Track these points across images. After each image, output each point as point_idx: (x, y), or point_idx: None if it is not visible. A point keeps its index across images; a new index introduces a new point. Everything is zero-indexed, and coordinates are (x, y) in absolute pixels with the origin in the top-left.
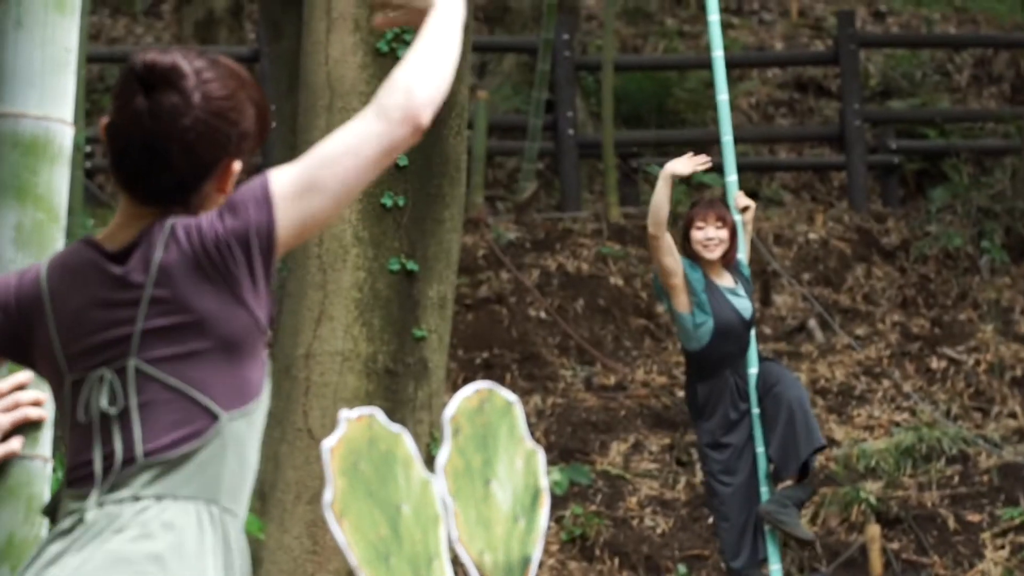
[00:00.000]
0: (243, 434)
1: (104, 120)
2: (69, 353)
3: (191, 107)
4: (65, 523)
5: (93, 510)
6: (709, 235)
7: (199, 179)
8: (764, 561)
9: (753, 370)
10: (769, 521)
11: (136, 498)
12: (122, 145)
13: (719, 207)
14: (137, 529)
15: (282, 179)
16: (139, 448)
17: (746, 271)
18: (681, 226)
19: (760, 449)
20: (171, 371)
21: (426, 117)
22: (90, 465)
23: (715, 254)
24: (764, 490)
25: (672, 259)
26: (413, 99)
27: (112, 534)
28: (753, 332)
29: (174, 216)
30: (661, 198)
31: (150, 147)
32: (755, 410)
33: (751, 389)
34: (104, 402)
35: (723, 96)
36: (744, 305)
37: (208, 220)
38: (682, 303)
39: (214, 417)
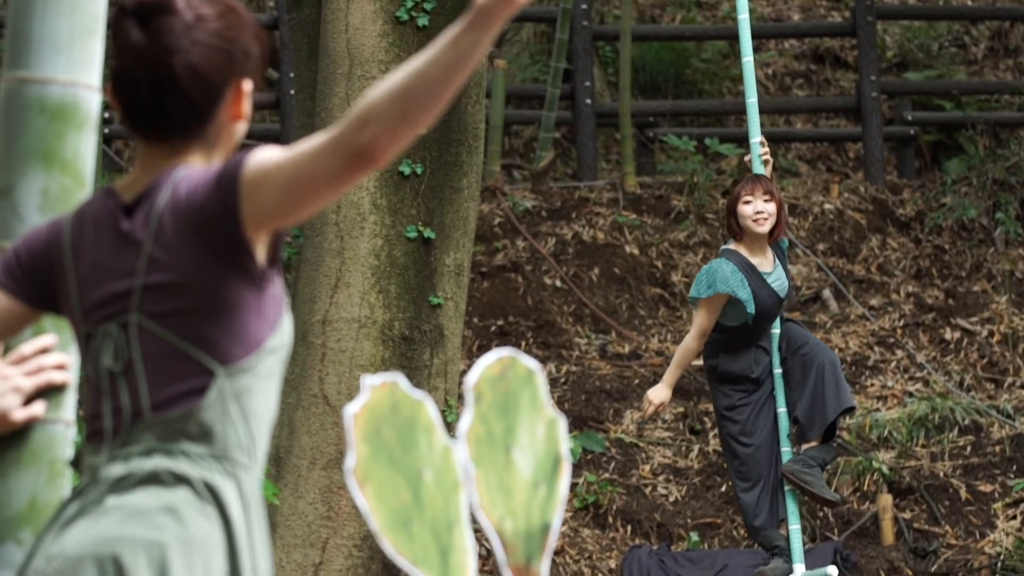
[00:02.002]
0: (245, 387)
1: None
2: (85, 306)
3: (188, 28)
4: (83, 480)
5: (105, 467)
6: (758, 208)
7: (212, 103)
8: (783, 521)
9: (776, 331)
10: (793, 481)
11: (146, 453)
12: (130, 88)
13: (765, 181)
14: (150, 483)
15: (253, 163)
16: (145, 402)
17: (783, 243)
18: (726, 205)
19: (782, 409)
20: (169, 327)
21: (380, 156)
22: (101, 420)
23: (764, 228)
24: (786, 450)
25: (710, 325)
26: (365, 135)
27: (125, 490)
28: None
29: (191, 156)
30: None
31: (156, 79)
32: (777, 370)
33: (773, 350)
34: (108, 358)
35: (748, 59)
36: (781, 284)
37: (203, 179)
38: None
39: (211, 373)
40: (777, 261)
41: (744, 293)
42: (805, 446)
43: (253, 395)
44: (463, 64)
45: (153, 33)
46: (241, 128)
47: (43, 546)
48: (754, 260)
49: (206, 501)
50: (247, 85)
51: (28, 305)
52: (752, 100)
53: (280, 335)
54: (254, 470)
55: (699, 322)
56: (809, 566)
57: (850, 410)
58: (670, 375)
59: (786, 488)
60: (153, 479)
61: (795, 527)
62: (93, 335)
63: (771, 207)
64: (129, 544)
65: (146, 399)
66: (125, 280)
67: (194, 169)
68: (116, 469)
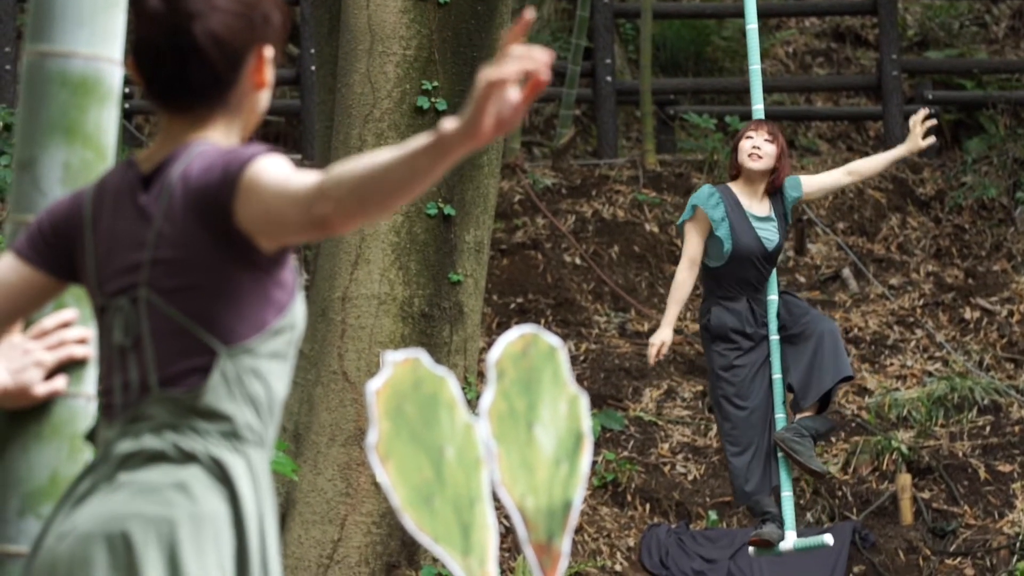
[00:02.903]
0: (250, 367)
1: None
2: (100, 278)
3: None
4: (97, 455)
5: (116, 442)
6: (756, 143)
7: (233, 69)
8: (775, 489)
9: (773, 296)
10: (783, 449)
11: (155, 429)
12: (151, 57)
13: (771, 124)
14: (160, 459)
15: (255, 168)
16: (153, 378)
17: (794, 192)
18: (731, 144)
19: (777, 375)
20: (174, 303)
21: (335, 230)
22: (113, 395)
23: (758, 165)
24: (780, 417)
25: (696, 250)
26: (323, 209)
27: (136, 466)
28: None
29: (213, 127)
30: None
31: (177, 46)
32: (774, 336)
33: (771, 315)
34: (119, 333)
35: (752, 26)
36: (770, 235)
37: (215, 161)
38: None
39: (214, 352)
40: (773, 213)
41: (718, 214)
42: (799, 415)
43: (259, 375)
44: (417, 182)
45: (172, 0)
46: (264, 96)
47: (55, 523)
48: (744, 200)
49: (215, 477)
50: (268, 52)
51: (50, 276)
52: (755, 67)
53: (288, 318)
54: (264, 448)
55: (686, 249)
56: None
57: (847, 379)
58: (669, 313)
59: (779, 455)
60: (163, 456)
61: (787, 494)
62: (107, 308)
63: (770, 148)
64: (139, 521)
65: (154, 375)
66: (137, 253)
67: (211, 145)
68: (126, 445)
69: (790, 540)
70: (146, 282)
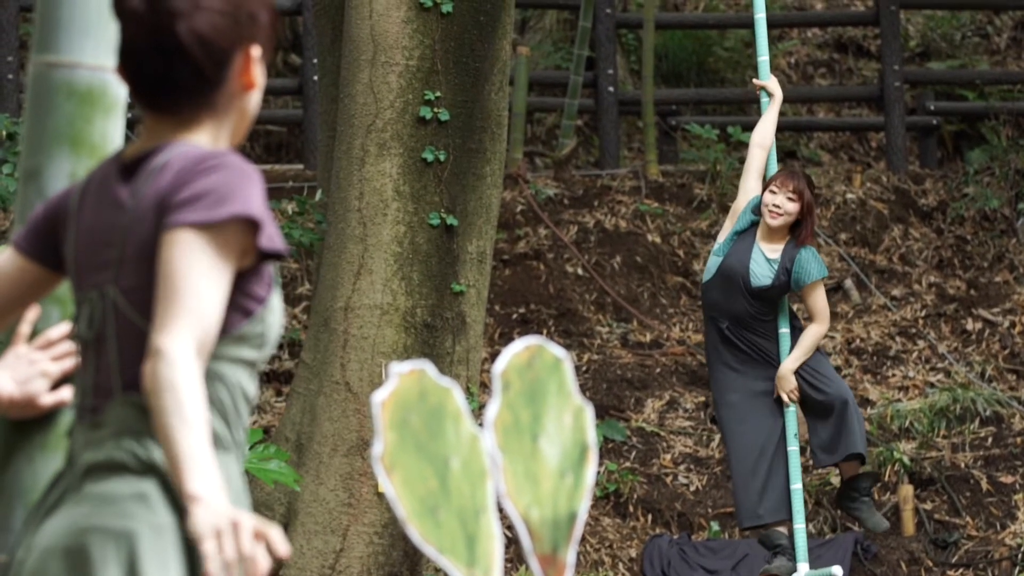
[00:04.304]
0: (211, 371)
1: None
2: (78, 272)
3: None
4: (65, 461)
5: (81, 450)
6: (777, 202)
7: (219, 69)
8: (787, 522)
9: (785, 329)
10: (849, 514)
11: (116, 436)
12: (134, 58)
13: (799, 179)
14: (121, 470)
15: (169, 236)
16: (116, 380)
17: (803, 278)
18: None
19: (791, 408)
20: (133, 303)
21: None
22: (81, 396)
23: (776, 222)
24: (793, 449)
25: (745, 186)
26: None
27: (99, 476)
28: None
29: (200, 130)
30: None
31: (160, 46)
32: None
33: (783, 348)
34: (83, 326)
35: (760, 15)
36: (760, 275)
37: (186, 175)
38: (725, 229)
39: None
40: (779, 264)
41: (741, 224)
42: (847, 476)
43: (223, 380)
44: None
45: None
46: (254, 98)
47: (26, 535)
48: (762, 233)
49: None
50: (256, 51)
51: (43, 267)
52: (760, 16)
53: (255, 325)
54: (231, 451)
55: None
56: (830, 557)
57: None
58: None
59: (793, 487)
60: (123, 466)
61: (799, 526)
62: (81, 302)
63: (791, 206)
64: (98, 534)
65: (117, 377)
66: (110, 250)
67: (192, 151)
68: (90, 454)
69: (802, 572)
70: (113, 280)
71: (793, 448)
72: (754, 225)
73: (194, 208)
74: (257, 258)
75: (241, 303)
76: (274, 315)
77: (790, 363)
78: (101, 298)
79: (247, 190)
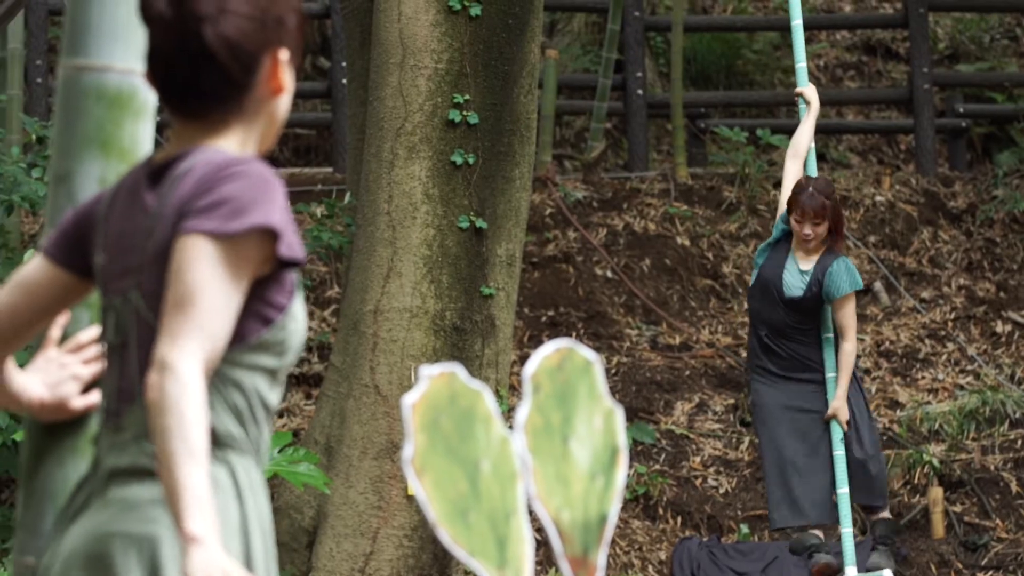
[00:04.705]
0: (228, 378)
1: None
2: (105, 276)
3: None
4: (91, 465)
5: (105, 453)
6: (806, 231)
7: (247, 73)
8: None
9: (829, 335)
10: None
11: (137, 439)
12: (162, 63)
13: (817, 202)
14: (143, 474)
15: (188, 236)
16: (137, 386)
17: (833, 292)
18: (788, 202)
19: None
20: (153, 308)
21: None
22: (106, 400)
23: (811, 246)
24: (839, 454)
25: (785, 196)
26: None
27: (123, 481)
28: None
29: (229, 135)
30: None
31: (188, 51)
32: (830, 374)
33: (827, 354)
34: (110, 333)
35: (797, 22)
36: (792, 287)
37: (206, 184)
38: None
39: None
40: (811, 275)
41: (761, 258)
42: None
43: (239, 387)
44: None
45: (179, 2)
46: (283, 102)
47: (54, 540)
48: (796, 250)
49: None
50: (284, 55)
51: (72, 274)
52: (797, 22)
53: (275, 334)
54: (250, 455)
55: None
56: (859, 559)
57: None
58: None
59: (839, 491)
60: (145, 471)
61: (847, 530)
62: (107, 308)
63: (820, 229)
64: (121, 540)
65: (138, 382)
66: (134, 255)
67: (216, 157)
68: (113, 458)
69: (850, 575)
70: (136, 285)
71: (839, 453)
72: (788, 235)
73: (210, 216)
74: (277, 266)
75: (260, 311)
76: (296, 323)
77: (839, 400)
78: (125, 303)
79: (267, 199)
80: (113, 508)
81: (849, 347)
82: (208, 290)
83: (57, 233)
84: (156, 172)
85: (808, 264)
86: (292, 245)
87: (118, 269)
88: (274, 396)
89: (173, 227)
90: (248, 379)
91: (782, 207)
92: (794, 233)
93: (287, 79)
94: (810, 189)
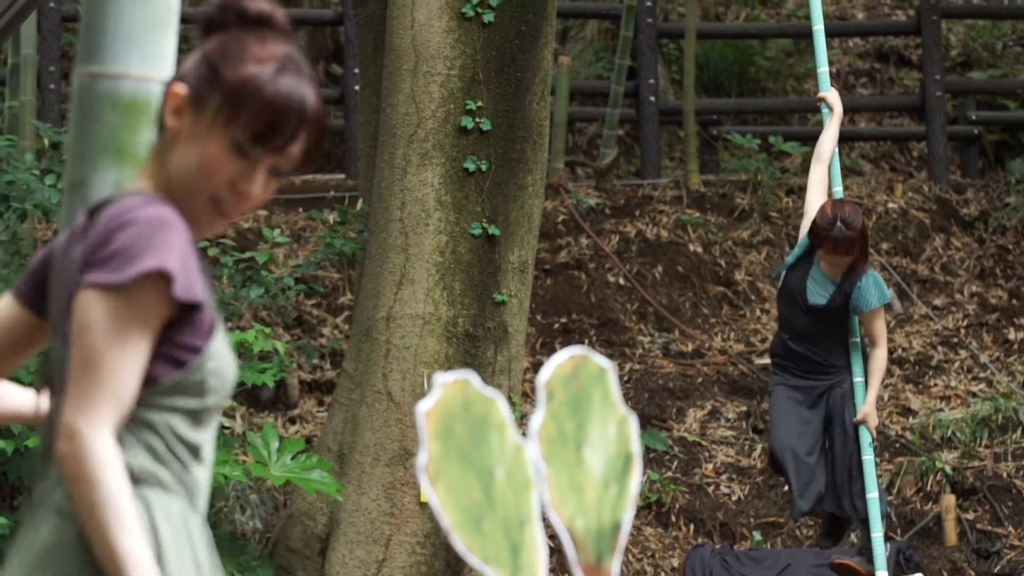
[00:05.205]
0: (138, 418)
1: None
2: (50, 315)
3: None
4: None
5: (38, 489)
6: (834, 261)
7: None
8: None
9: (856, 339)
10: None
11: (58, 478)
12: None
13: (845, 237)
14: (59, 514)
15: (83, 294)
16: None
17: (861, 305)
18: (814, 228)
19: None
20: (68, 347)
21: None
22: (44, 436)
23: (837, 271)
24: (868, 459)
25: (810, 200)
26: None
27: (44, 518)
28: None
29: (144, 173)
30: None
31: None
32: (858, 379)
33: (855, 357)
34: (47, 373)
35: (818, 27)
36: (816, 294)
37: (103, 232)
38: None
39: None
40: (836, 287)
41: (799, 250)
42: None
43: (152, 427)
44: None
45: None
46: (189, 154)
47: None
48: (822, 262)
49: None
50: (179, 88)
51: (35, 314)
52: (819, 27)
53: (188, 374)
54: (176, 495)
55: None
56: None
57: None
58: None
59: (869, 495)
60: (61, 511)
61: (877, 534)
62: (49, 349)
63: (845, 259)
64: None
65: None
66: (60, 301)
67: (120, 204)
68: (40, 494)
69: None
70: (60, 332)
71: (868, 457)
72: (813, 248)
73: (103, 268)
74: (183, 308)
75: (171, 353)
76: (216, 362)
77: (869, 405)
78: (55, 348)
79: (158, 243)
80: (26, 553)
81: (881, 354)
82: (110, 349)
83: (27, 272)
84: (93, 215)
85: (834, 275)
86: (188, 286)
87: (55, 313)
88: (200, 435)
89: (78, 278)
90: (160, 419)
91: (808, 213)
92: (820, 257)
93: (175, 111)
94: (839, 224)
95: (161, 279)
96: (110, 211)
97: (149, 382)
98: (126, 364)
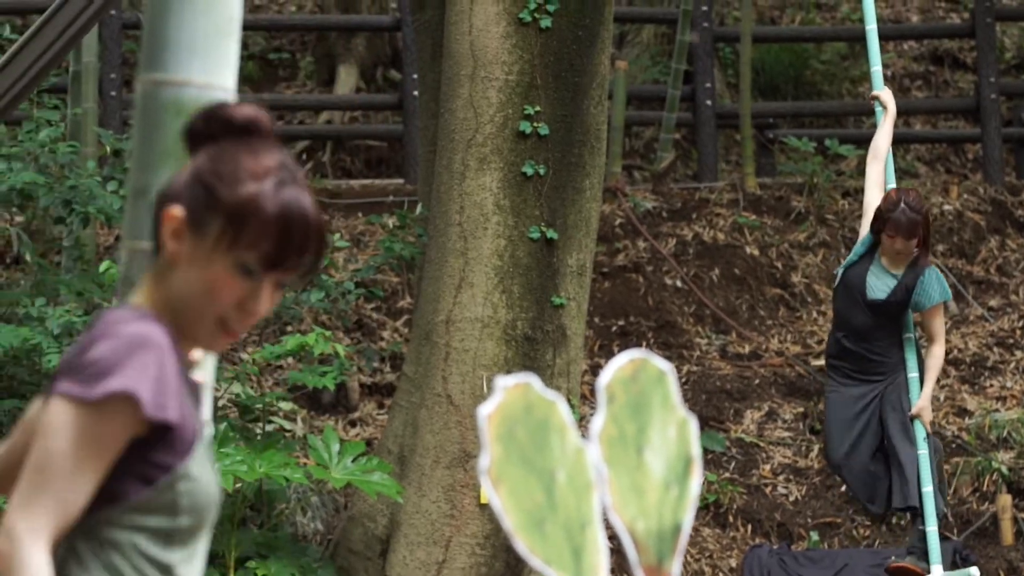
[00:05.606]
0: (105, 538)
1: None
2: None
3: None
4: None
5: None
6: (897, 248)
7: (155, 226)
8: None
9: (909, 335)
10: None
11: None
12: None
13: (911, 221)
14: None
15: (53, 400)
16: None
17: (924, 300)
18: (878, 215)
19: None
20: None
21: None
22: None
23: (899, 263)
24: (923, 453)
25: (867, 199)
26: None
27: None
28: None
29: (139, 289)
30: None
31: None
32: (912, 375)
33: (908, 353)
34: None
35: (871, 27)
36: (877, 288)
37: (86, 338)
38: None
39: None
40: (899, 281)
41: (861, 248)
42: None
43: (116, 546)
44: None
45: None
46: (189, 279)
47: None
48: (883, 257)
49: None
50: (175, 211)
51: None
52: (871, 27)
53: (159, 493)
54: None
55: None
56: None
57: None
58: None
59: (924, 489)
60: None
61: (932, 528)
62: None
63: (910, 246)
64: None
65: None
66: (47, 391)
67: (106, 316)
68: None
69: (937, 574)
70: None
71: (923, 452)
72: (873, 246)
73: (76, 379)
74: (155, 426)
75: (141, 471)
76: (191, 483)
77: (924, 399)
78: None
79: (133, 362)
80: None
81: (939, 350)
82: (66, 459)
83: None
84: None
85: (896, 268)
86: (160, 406)
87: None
88: (172, 555)
89: (55, 381)
90: (126, 538)
91: (867, 211)
92: (883, 245)
93: (169, 234)
94: (903, 205)
95: (128, 401)
96: (102, 319)
97: (117, 499)
98: (79, 478)
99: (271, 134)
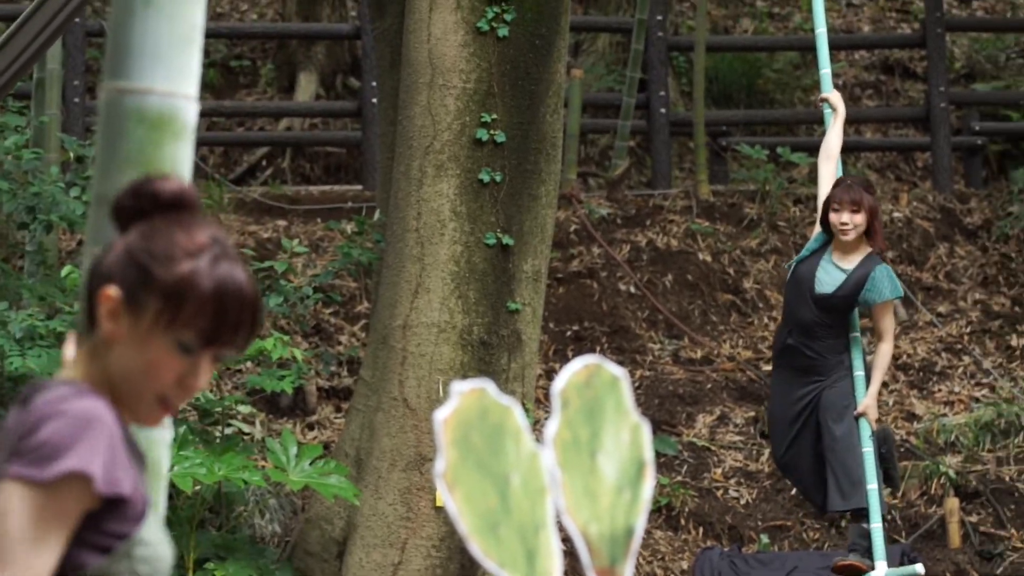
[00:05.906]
0: None
1: None
2: None
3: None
4: None
5: None
6: (843, 219)
7: (90, 302)
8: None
9: (855, 334)
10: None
11: None
12: None
13: (855, 192)
14: None
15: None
16: None
17: (872, 295)
18: (826, 200)
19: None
20: None
21: None
22: None
23: (849, 237)
24: (867, 451)
25: (822, 198)
26: None
27: None
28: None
29: (77, 363)
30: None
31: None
32: (858, 372)
33: (855, 352)
34: None
35: (821, 30)
36: (825, 283)
37: (33, 416)
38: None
39: None
40: (851, 275)
41: (814, 244)
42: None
43: None
44: None
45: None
46: (126, 356)
47: None
48: (834, 251)
49: None
50: (111, 291)
51: None
52: (821, 30)
53: (112, 561)
54: None
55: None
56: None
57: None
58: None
59: (868, 487)
60: None
61: (876, 525)
62: None
63: (858, 218)
64: None
65: None
66: None
67: (52, 392)
68: None
69: (881, 570)
70: None
71: (867, 450)
72: (826, 243)
73: (27, 461)
74: (108, 500)
75: (97, 541)
76: (146, 550)
77: (871, 398)
78: None
79: (83, 439)
80: None
81: (887, 348)
82: (23, 541)
83: None
84: (26, 402)
85: (847, 263)
86: (112, 482)
87: None
88: None
89: (4, 464)
90: None
91: (821, 210)
92: (832, 226)
93: (106, 316)
94: (848, 181)
95: (81, 479)
96: (43, 398)
97: (73, 570)
98: (36, 558)
99: (199, 207)
